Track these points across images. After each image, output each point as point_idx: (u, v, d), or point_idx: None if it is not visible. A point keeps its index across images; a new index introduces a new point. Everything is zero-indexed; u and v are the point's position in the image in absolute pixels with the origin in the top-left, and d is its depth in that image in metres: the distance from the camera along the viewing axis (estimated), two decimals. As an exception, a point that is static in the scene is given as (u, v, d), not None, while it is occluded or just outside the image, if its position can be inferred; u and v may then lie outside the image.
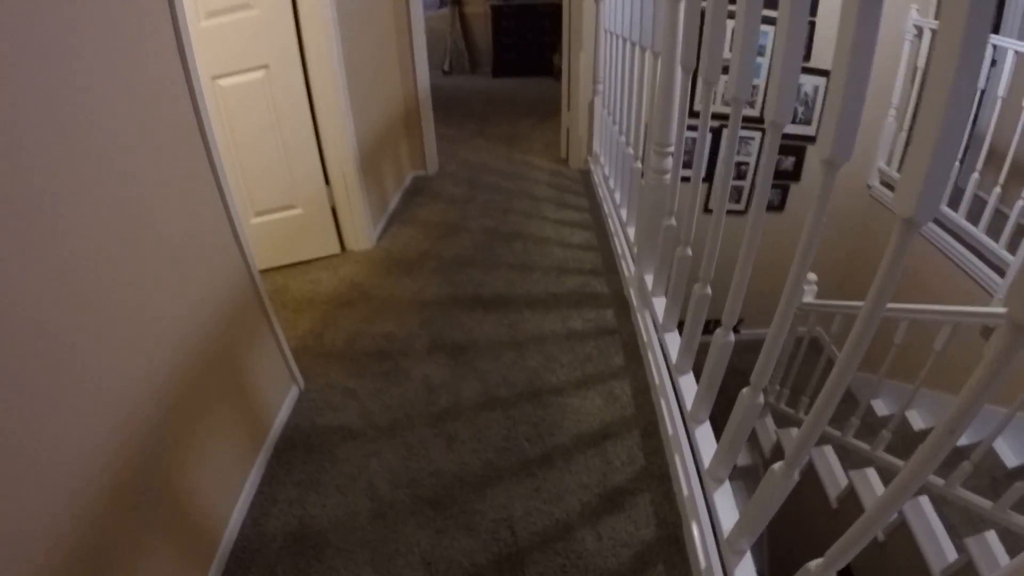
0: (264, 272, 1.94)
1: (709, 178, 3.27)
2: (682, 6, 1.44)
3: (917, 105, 3.47)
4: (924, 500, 2.15)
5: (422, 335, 2.01)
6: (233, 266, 1.51)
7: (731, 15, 1.00)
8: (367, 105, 2.71)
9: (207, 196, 1.40)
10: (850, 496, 2.47)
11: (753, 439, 3.46)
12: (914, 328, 2.11)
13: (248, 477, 1.50)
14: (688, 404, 1.41)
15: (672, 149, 1.67)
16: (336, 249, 2.64)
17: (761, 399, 1.04)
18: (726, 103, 1.06)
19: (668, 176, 1.70)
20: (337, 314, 2.17)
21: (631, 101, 2.21)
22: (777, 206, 4.05)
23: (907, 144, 3.54)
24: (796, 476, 0.90)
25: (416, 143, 3.52)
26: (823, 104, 3.50)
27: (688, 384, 1.47)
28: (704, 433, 1.35)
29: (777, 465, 0.92)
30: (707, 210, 3.54)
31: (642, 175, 2.13)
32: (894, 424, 2.30)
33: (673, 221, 1.62)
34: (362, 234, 2.65)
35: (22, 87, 0.84)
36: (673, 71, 1.56)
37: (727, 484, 1.21)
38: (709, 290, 1.30)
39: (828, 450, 2.72)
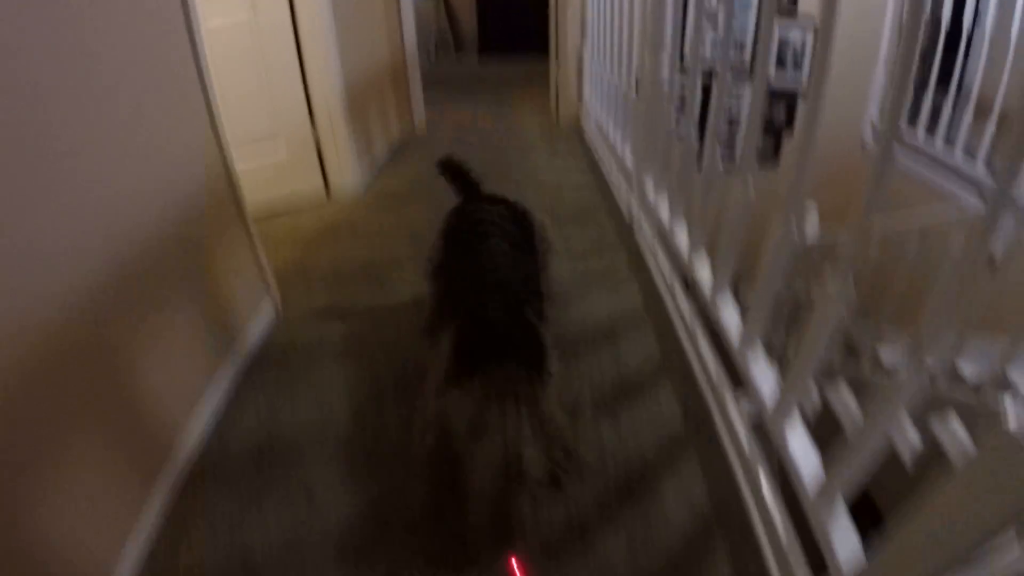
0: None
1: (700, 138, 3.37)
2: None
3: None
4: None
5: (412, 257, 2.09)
6: (210, 153, 1.55)
7: None
8: (355, 48, 2.82)
9: (188, 81, 1.49)
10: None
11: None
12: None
13: (213, 389, 1.50)
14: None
15: (668, 50, 1.77)
16: (322, 192, 2.75)
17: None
18: None
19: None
20: (320, 244, 2.30)
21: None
22: (771, 156, 4.01)
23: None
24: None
25: (404, 104, 3.71)
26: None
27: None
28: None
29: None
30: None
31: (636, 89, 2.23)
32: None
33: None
34: (348, 179, 2.77)
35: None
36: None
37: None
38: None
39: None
